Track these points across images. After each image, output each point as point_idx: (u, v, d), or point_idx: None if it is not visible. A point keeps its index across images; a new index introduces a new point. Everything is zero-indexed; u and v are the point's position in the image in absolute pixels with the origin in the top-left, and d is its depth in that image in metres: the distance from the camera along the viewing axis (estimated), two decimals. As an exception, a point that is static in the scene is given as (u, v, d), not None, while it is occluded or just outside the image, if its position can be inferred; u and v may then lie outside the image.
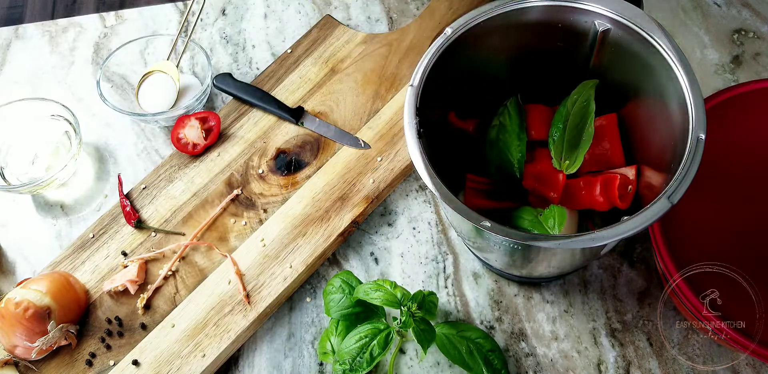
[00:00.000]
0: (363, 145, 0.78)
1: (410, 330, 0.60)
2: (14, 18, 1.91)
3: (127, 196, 0.78)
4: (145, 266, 0.74)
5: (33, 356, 0.67)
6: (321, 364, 0.69)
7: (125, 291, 0.73)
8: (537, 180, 0.63)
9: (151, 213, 0.77)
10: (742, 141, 0.66)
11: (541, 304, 0.69)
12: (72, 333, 0.70)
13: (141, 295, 0.72)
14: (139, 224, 0.76)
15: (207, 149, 0.80)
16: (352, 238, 0.75)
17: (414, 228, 0.75)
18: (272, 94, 0.82)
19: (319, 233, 0.73)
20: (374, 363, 0.60)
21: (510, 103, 0.66)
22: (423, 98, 0.54)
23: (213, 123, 0.80)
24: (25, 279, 0.73)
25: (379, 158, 0.76)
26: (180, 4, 0.94)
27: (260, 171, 0.78)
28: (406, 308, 0.61)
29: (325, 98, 0.82)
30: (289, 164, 0.78)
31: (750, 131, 0.66)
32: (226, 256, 0.73)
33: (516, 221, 0.61)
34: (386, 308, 0.68)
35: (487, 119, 0.67)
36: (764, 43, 0.80)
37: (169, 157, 0.80)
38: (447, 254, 0.73)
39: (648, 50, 0.53)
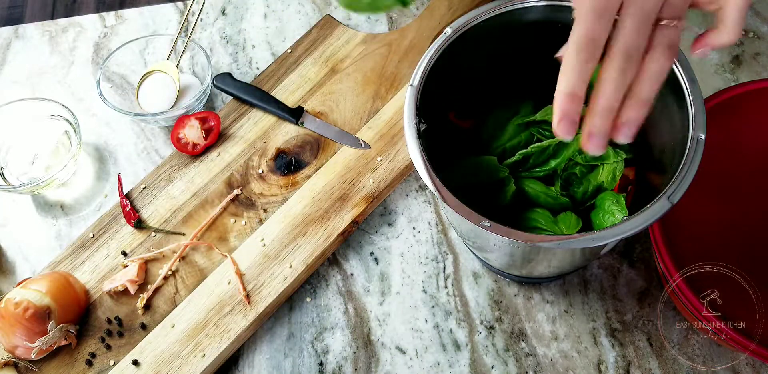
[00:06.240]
0: (363, 145, 0.78)
1: None
2: (14, 18, 1.91)
3: (127, 196, 0.78)
4: (145, 266, 0.74)
5: (33, 356, 0.67)
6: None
7: (125, 291, 0.73)
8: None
9: (151, 213, 0.77)
10: (742, 141, 0.66)
11: (541, 304, 0.69)
12: (72, 333, 0.70)
13: (141, 295, 0.72)
14: (139, 224, 0.76)
15: (207, 149, 0.80)
16: (352, 238, 0.75)
17: (414, 228, 0.75)
18: (272, 94, 0.82)
19: (319, 233, 0.73)
20: None
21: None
22: (423, 98, 0.54)
23: (213, 123, 0.80)
24: (25, 279, 0.73)
25: (379, 158, 0.76)
26: (180, 4, 0.94)
27: (260, 171, 0.78)
28: None
29: (325, 98, 0.82)
30: (289, 164, 0.78)
31: (750, 130, 0.66)
32: (226, 256, 0.73)
33: (529, 223, 0.60)
34: None
35: (486, 118, 0.67)
36: (764, 43, 0.80)
37: (169, 157, 0.80)
38: (447, 254, 0.73)
39: (648, 50, 0.53)
